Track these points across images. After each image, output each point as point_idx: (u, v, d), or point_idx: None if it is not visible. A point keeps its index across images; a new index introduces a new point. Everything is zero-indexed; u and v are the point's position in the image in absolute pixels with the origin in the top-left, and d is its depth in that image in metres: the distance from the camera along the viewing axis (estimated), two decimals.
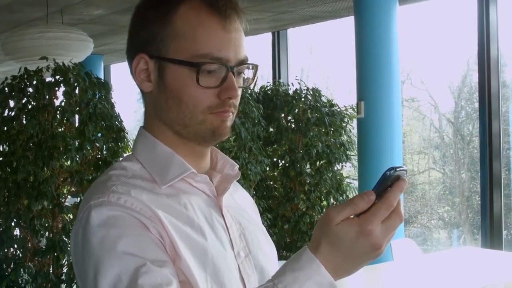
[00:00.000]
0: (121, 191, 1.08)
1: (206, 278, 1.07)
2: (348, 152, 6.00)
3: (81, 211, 1.08)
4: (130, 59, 1.17)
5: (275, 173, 6.09)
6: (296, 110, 5.94)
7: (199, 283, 1.05)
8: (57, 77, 4.29)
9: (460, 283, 3.71)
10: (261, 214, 1.41)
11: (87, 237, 1.04)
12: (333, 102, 6.10)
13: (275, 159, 6.08)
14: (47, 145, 4.12)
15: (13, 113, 4.34)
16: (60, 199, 4.31)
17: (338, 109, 6.07)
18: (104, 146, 4.41)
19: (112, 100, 4.58)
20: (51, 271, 4.31)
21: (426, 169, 8.90)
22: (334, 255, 0.93)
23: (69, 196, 4.48)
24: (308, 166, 5.94)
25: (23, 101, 4.33)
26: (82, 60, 5.59)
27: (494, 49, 5.42)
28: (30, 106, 4.31)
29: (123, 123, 4.54)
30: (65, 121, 4.29)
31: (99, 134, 4.36)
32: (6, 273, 4.30)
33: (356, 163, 6.24)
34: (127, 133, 4.54)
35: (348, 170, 7.05)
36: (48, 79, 4.39)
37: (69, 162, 4.35)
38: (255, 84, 5.75)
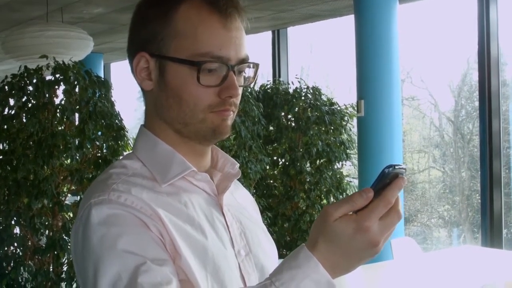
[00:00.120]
0: (122, 189, 1.08)
1: (207, 276, 1.07)
2: (348, 150, 5.99)
3: (82, 209, 1.08)
4: (131, 58, 1.17)
5: (275, 171, 6.09)
6: (296, 108, 5.94)
7: (199, 281, 1.05)
8: (57, 75, 4.29)
9: (460, 282, 3.71)
10: (261, 212, 1.41)
11: (87, 235, 1.04)
12: (333, 101, 6.10)
13: (275, 158, 6.08)
14: (47, 144, 4.12)
15: (13, 112, 4.35)
16: (60, 197, 4.32)
17: (338, 108, 6.07)
18: (104, 144, 4.41)
19: (112, 99, 4.58)
20: (51, 270, 4.32)
21: (426, 168, 8.91)
22: (331, 253, 0.93)
23: (69, 195, 4.48)
24: (308, 164, 5.93)
25: (23, 100, 4.33)
26: (82, 58, 5.59)
27: (494, 48, 5.42)
28: (30, 105, 4.31)
29: (123, 121, 4.55)
30: (65, 119, 4.29)
31: (99, 133, 4.37)
32: (6, 272, 4.30)
33: (356, 162, 6.24)
34: (127, 132, 4.55)
35: (348, 168, 7.05)
36: (48, 77, 4.39)
37: (69, 161, 4.35)
38: (255, 83, 5.75)
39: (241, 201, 1.28)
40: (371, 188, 0.92)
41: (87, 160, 4.33)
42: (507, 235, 6.45)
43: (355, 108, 5.71)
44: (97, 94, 4.42)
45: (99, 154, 4.39)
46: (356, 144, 5.83)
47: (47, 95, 4.29)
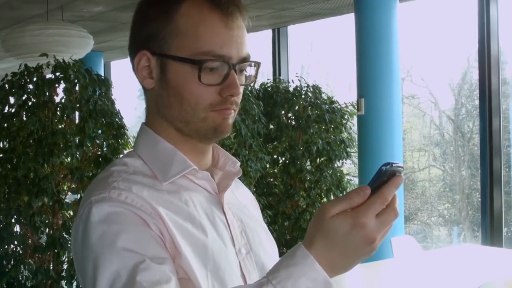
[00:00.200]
0: (122, 187, 1.08)
1: (207, 275, 1.07)
2: (348, 149, 5.99)
3: (82, 206, 1.08)
4: (132, 56, 1.17)
5: (275, 170, 6.09)
6: (297, 107, 5.94)
7: (199, 280, 1.05)
8: (57, 73, 4.29)
9: (460, 280, 3.71)
10: (261, 211, 1.41)
11: (87, 232, 1.04)
12: (333, 99, 6.10)
13: (275, 156, 6.08)
14: (47, 142, 4.12)
15: (13, 110, 4.34)
16: (60, 195, 4.32)
17: (338, 106, 6.06)
18: (104, 143, 4.41)
19: (112, 97, 4.58)
20: (51, 268, 4.32)
21: (426, 166, 8.91)
22: (328, 250, 0.93)
23: (69, 193, 4.48)
24: (308, 163, 5.94)
25: (23, 98, 4.33)
26: (82, 57, 5.59)
27: (494, 46, 5.42)
28: (30, 103, 4.31)
29: (123, 120, 4.54)
30: (65, 117, 4.29)
31: (99, 131, 4.37)
32: (7, 270, 4.30)
33: (356, 160, 6.24)
34: (127, 130, 4.55)
35: (348, 167, 7.05)
36: (48, 75, 4.39)
37: (69, 159, 4.35)
38: (255, 82, 5.75)
39: (242, 199, 1.28)
40: (368, 186, 0.92)
41: (87, 159, 4.33)
42: (507, 233, 6.46)
43: (355, 106, 5.71)
44: (97, 93, 4.42)
45: (99, 153, 4.39)
46: (356, 143, 5.83)
47: (47, 94, 4.29)
